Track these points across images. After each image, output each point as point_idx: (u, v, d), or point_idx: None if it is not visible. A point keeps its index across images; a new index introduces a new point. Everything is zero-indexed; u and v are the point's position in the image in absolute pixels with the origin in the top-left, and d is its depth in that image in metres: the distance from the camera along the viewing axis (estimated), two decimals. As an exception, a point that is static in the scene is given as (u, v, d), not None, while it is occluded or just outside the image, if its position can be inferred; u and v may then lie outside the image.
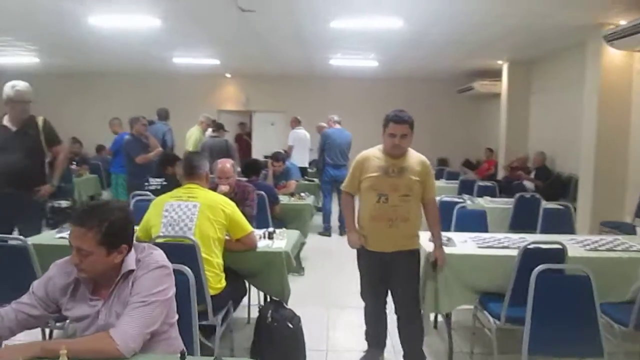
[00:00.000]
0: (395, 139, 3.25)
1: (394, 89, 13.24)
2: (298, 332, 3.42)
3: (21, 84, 4.16)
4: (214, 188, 4.38)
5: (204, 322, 3.27)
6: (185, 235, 3.20)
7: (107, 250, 1.95)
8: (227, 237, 3.47)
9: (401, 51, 9.47)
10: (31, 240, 3.39)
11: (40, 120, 4.29)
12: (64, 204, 8.31)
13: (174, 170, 5.81)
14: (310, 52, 9.76)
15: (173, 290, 2.12)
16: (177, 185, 3.84)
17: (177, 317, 2.23)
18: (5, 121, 4.19)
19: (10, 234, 4.00)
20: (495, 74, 11.04)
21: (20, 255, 3.09)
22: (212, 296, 3.22)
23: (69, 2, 6.34)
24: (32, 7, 6.63)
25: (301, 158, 9.03)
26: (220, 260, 3.35)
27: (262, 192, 5.33)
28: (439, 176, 10.11)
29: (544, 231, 4.95)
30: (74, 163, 9.44)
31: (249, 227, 3.53)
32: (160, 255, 2.13)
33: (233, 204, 3.52)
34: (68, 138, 10.44)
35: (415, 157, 3.35)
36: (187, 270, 2.46)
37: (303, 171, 8.91)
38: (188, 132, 8.83)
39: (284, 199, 6.10)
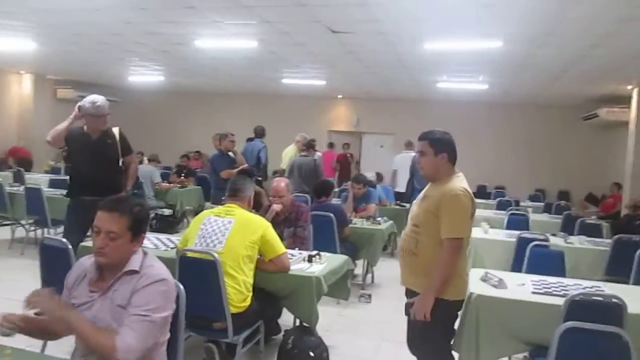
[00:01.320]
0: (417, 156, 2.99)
1: (510, 115, 12.54)
2: (320, 362, 3.28)
3: (100, 100, 4.46)
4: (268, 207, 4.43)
5: (225, 340, 3.27)
6: (209, 250, 3.22)
7: (132, 236, 2.11)
8: (260, 257, 3.45)
9: (509, 73, 8.93)
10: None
11: (116, 131, 4.59)
12: (166, 212, 8.93)
13: (257, 186, 5.95)
14: (413, 74, 9.56)
15: (173, 308, 2.16)
16: (255, 201, 3.92)
17: (168, 336, 2.22)
18: (85, 129, 4.54)
19: (84, 237, 4.28)
20: (624, 100, 9.96)
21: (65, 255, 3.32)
22: (234, 314, 3.20)
23: (177, 26, 6.83)
24: (143, 30, 7.24)
25: (404, 183, 8.78)
26: (248, 279, 3.32)
27: (330, 214, 5.27)
28: (546, 209, 9.30)
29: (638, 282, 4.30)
30: (182, 175, 10.06)
31: (281, 249, 3.47)
32: (162, 268, 2.18)
33: (268, 224, 3.49)
34: (179, 153, 11.24)
35: (444, 186, 2.86)
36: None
37: (400, 196, 8.69)
38: (284, 151, 9.04)
39: (357, 223, 5.97)
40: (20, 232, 7.18)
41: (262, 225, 3.43)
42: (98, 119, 4.47)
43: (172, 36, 7.51)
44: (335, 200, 6.77)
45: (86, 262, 2.23)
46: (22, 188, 7.26)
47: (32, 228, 7.08)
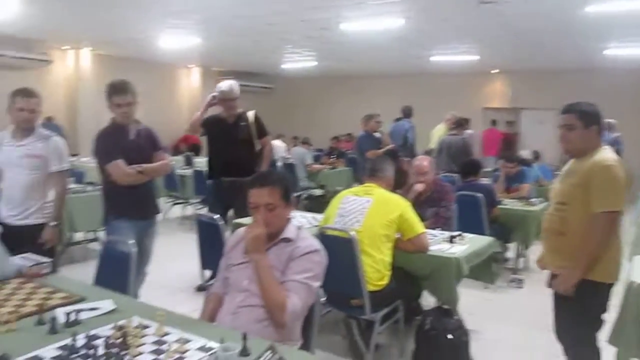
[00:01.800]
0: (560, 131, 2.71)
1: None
2: (460, 346, 3.17)
3: (225, 84, 4.72)
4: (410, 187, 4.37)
5: (363, 317, 3.32)
6: (347, 228, 3.27)
7: (285, 203, 2.29)
8: (398, 236, 3.43)
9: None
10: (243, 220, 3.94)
11: (251, 115, 4.81)
12: (317, 192, 9.27)
13: (399, 166, 5.92)
14: (575, 41, 8.70)
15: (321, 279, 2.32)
16: (397, 181, 3.93)
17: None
18: (221, 115, 4.83)
19: (226, 215, 4.64)
20: None
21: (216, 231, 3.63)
22: (372, 292, 3.23)
23: (323, 11, 7.00)
24: (294, 18, 7.53)
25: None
26: (386, 258, 3.32)
27: (478, 194, 5.05)
28: None
29: None
30: (333, 157, 10.35)
31: (420, 228, 3.40)
32: (315, 241, 2.36)
33: (407, 204, 3.44)
34: (331, 135, 11.56)
35: (592, 159, 2.58)
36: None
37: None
38: (433, 130, 8.85)
39: (509, 204, 5.63)
40: (189, 210, 8.00)
41: (400, 205, 3.40)
42: (226, 102, 4.72)
43: (318, 21, 7.71)
44: (485, 180, 6.45)
45: (241, 233, 2.43)
46: (191, 171, 8.07)
47: (199, 206, 7.83)
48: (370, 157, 6.73)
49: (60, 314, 2.08)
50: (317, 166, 9.57)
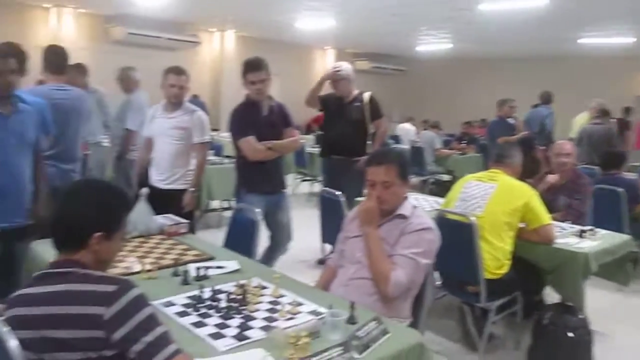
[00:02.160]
0: None
1: None
2: (581, 345, 3.00)
3: (336, 64, 4.81)
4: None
5: (478, 304, 3.26)
6: (467, 213, 3.21)
7: (401, 181, 2.36)
8: (522, 226, 3.30)
9: None
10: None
11: (366, 96, 4.80)
12: (445, 177, 9.09)
13: (533, 154, 5.65)
14: None
15: (433, 259, 2.35)
16: (529, 170, 3.82)
17: (420, 283, 2.38)
18: (339, 94, 4.87)
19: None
20: None
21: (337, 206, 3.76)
22: (489, 280, 3.15)
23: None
24: None
25: None
26: (506, 247, 3.22)
27: (619, 189, 4.65)
28: None
29: None
30: (464, 142, 10.06)
31: (546, 219, 3.24)
32: (429, 219, 2.40)
33: (534, 193, 3.29)
34: (463, 120, 11.21)
35: None
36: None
37: None
38: (575, 118, 8.24)
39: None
40: (316, 187, 8.29)
41: (526, 193, 3.26)
42: (335, 82, 4.78)
43: (456, 2, 7.49)
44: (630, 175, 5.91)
45: (354, 213, 2.55)
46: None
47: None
48: (501, 143, 6.48)
49: (192, 268, 2.33)
50: (446, 151, 9.37)
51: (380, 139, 4.92)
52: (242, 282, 2.12)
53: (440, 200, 4.48)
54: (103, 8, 10.09)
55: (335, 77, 4.82)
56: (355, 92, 4.84)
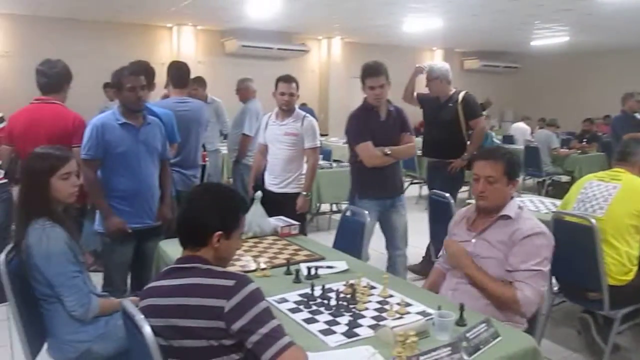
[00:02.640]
0: None
1: None
2: None
3: (429, 65, 4.64)
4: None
5: (601, 312, 3.07)
6: (587, 215, 3.03)
7: (507, 179, 2.30)
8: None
9: None
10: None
11: (461, 95, 4.51)
12: (563, 178, 8.58)
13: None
14: None
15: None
16: None
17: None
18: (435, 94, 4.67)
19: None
20: None
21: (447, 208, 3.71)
22: (612, 286, 2.95)
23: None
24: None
25: None
26: (632, 251, 2.99)
27: None
28: None
29: None
30: (584, 141, 9.42)
31: (680, 223, 2.97)
32: (539, 222, 2.29)
33: (665, 194, 3.04)
34: (583, 117, 10.48)
35: None
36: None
37: None
38: None
39: None
40: (425, 190, 8.18)
41: (654, 193, 3.01)
42: (429, 82, 4.60)
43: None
44: None
45: (464, 211, 2.53)
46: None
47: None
48: (625, 140, 5.99)
49: (304, 267, 2.43)
50: (565, 150, 8.82)
51: (476, 140, 4.59)
52: (351, 281, 2.18)
53: (558, 202, 4.26)
54: (218, 24, 10.71)
55: (427, 77, 4.66)
56: (452, 91, 4.62)
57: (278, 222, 3.20)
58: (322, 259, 2.66)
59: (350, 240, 3.10)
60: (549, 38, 11.51)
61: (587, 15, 8.69)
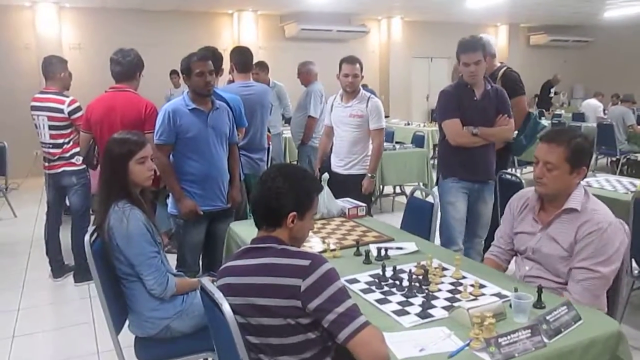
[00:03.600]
0: None
1: None
2: None
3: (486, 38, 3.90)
4: None
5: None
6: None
7: (570, 167, 2.08)
8: None
9: None
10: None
11: (501, 72, 3.99)
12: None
13: None
14: None
15: (621, 259, 2.07)
16: None
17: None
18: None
19: None
20: None
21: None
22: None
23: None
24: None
25: None
26: None
27: None
28: None
29: None
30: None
31: None
32: (607, 213, 2.09)
33: None
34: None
35: None
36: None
37: None
38: None
39: None
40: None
41: None
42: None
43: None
44: None
45: (527, 192, 2.35)
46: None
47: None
48: None
49: (373, 248, 2.43)
50: (641, 127, 8.34)
51: (516, 121, 3.80)
52: (422, 262, 2.16)
53: (636, 181, 4.04)
54: (278, 8, 10.75)
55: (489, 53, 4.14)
56: (496, 66, 4.11)
57: (345, 203, 3.20)
58: (391, 240, 2.65)
59: (418, 221, 3.07)
60: (624, 7, 10.82)
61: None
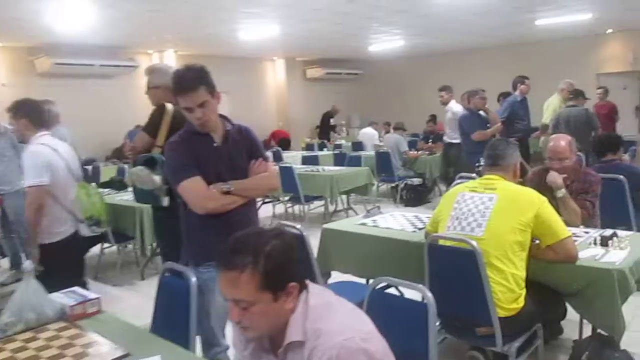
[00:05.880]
0: None
1: None
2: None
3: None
4: (543, 173, 3.42)
5: (492, 349, 2.58)
6: (465, 237, 2.52)
7: (272, 294, 1.41)
8: (536, 242, 2.63)
9: None
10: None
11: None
12: (415, 181, 8.40)
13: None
14: None
15: None
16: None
17: None
18: None
19: None
20: None
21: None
22: (503, 318, 2.47)
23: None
24: None
25: None
26: (518, 272, 2.54)
27: (620, 176, 4.05)
28: None
29: None
30: (430, 141, 9.49)
31: (564, 232, 2.57)
32: (342, 323, 1.42)
33: (544, 199, 2.62)
34: (427, 116, 10.67)
35: None
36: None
37: None
38: (546, 103, 7.74)
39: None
40: (279, 209, 7.53)
41: (535, 202, 2.57)
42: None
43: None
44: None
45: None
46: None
47: (289, 204, 7.33)
48: (477, 139, 5.85)
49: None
50: (414, 153, 8.73)
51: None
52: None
53: (421, 215, 3.78)
54: (24, 39, 9.14)
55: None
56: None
57: (67, 297, 2.22)
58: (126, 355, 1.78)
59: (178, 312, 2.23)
60: (386, 42, 11.58)
61: (423, 17, 8.71)
